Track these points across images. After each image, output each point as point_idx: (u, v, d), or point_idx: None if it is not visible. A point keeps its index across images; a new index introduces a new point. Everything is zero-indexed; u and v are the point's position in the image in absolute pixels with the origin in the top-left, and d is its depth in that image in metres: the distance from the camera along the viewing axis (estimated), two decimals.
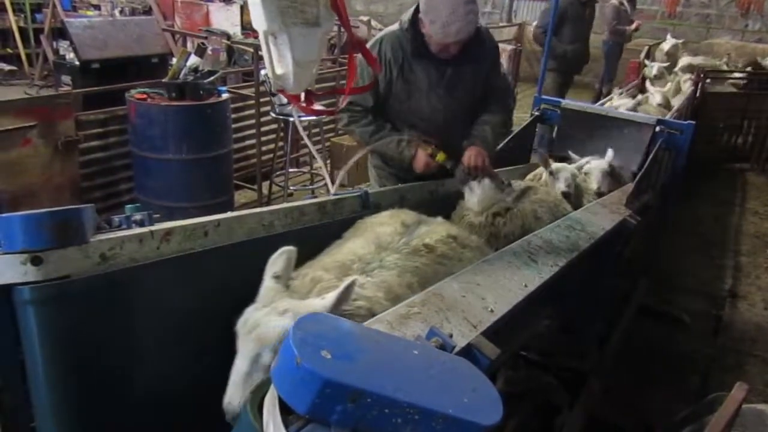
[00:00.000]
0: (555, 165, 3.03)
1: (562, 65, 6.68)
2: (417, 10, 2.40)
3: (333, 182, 2.16)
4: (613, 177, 3.19)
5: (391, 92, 2.53)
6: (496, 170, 2.65)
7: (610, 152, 3.21)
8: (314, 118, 4.83)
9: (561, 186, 2.92)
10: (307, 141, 2.34)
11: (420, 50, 2.46)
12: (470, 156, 2.47)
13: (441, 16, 2.27)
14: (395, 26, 2.54)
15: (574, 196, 2.96)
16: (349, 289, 1.36)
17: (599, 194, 3.03)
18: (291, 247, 1.52)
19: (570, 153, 3.40)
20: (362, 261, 1.71)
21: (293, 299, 1.45)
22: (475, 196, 2.39)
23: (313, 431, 0.85)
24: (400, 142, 2.50)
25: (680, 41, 8.74)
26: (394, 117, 2.59)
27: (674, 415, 2.43)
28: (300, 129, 2.31)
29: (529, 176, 3.25)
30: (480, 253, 2.00)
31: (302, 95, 1.82)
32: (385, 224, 1.93)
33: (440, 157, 2.50)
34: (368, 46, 2.45)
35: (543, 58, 6.00)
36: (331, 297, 1.36)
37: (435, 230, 1.96)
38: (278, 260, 1.51)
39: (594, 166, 3.17)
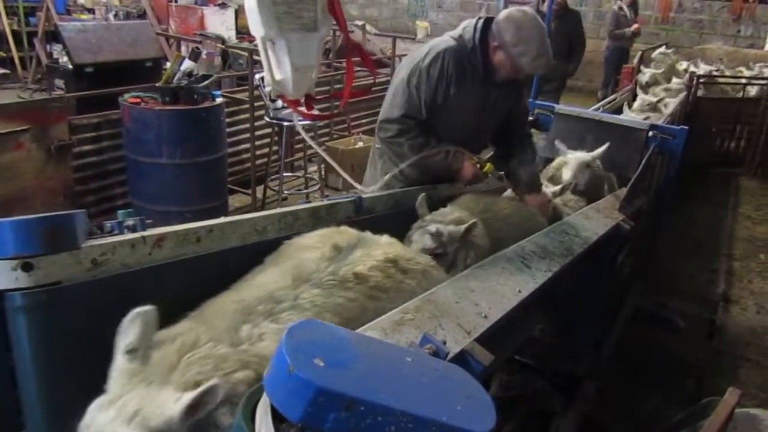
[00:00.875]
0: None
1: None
2: (484, 32, 2.45)
3: (328, 186, 2.17)
4: (594, 174, 3.16)
5: (443, 107, 2.53)
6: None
7: (603, 147, 3.22)
8: (309, 122, 4.83)
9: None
10: (312, 144, 2.35)
11: (485, 74, 2.50)
12: (539, 205, 2.69)
13: (532, 49, 2.35)
14: (450, 41, 2.53)
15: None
16: (208, 393, 1.05)
17: (576, 191, 3.02)
18: (147, 308, 1.17)
19: (557, 143, 3.42)
20: (272, 299, 1.40)
21: (149, 388, 1.13)
22: None
23: None
24: (448, 153, 2.53)
25: (670, 50, 8.78)
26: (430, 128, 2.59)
27: (668, 419, 2.43)
28: (303, 133, 2.32)
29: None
30: (425, 278, 1.71)
31: (302, 100, 1.82)
32: (311, 248, 1.62)
33: (488, 168, 2.57)
34: (427, 63, 2.46)
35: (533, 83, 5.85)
36: (184, 401, 1.05)
37: (371, 254, 1.64)
38: (130, 328, 1.16)
39: (574, 156, 3.17)
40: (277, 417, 0.88)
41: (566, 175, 3.04)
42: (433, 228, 2.06)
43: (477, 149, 2.79)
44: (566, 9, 6.60)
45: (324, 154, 2.62)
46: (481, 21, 2.50)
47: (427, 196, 2.25)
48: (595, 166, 3.19)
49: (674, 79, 7.15)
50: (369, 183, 2.82)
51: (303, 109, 1.95)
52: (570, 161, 3.15)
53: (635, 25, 8.23)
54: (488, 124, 2.72)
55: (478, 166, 2.55)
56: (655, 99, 5.53)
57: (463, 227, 2.07)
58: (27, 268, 1.19)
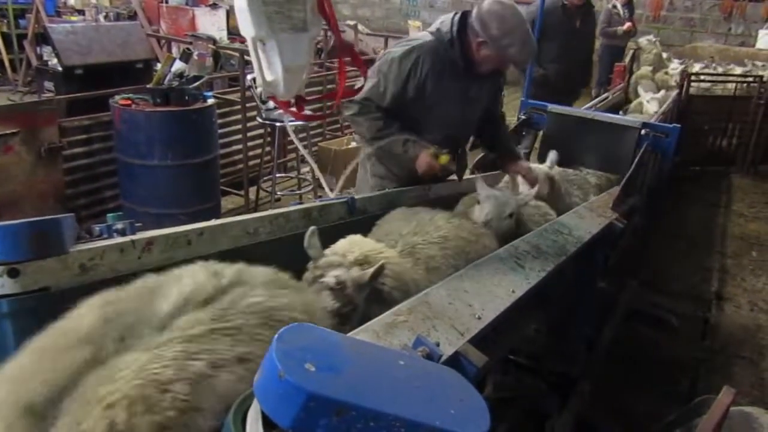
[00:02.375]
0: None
1: (543, 91, 5.11)
2: (462, 28, 2.44)
3: (322, 186, 2.16)
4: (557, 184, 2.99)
5: (421, 102, 2.54)
6: (481, 175, 2.78)
7: (553, 156, 3.04)
8: (301, 123, 4.82)
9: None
10: (300, 147, 2.35)
11: (465, 67, 2.50)
12: (527, 170, 2.73)
13: (517, 39, 2.35)
14: (427, 37, 2.53)
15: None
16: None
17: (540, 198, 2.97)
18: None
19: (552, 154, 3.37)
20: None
21: None
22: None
23: None
24: (406, 141, 2.51)
25: (657, 38, 8.79)
26: (407, 123, 2.59)
27: (663, 418, 2.43)
28: (292, 135, 2.32)
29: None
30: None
31: (292, 101, 1.81)
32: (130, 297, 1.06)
33: (443, 159, 2.50)
34: (400, 54, 2.47)
35: (526, 80, 5.15)
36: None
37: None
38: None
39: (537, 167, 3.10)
40: (267, 423, 0.87)
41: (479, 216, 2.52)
42: (332, 280, 1.53)
43: (462, 139, 2.84)
44: (589, 4, 5.77)
45: (309, 158, 2.63)
46: (458, 16, 2.49)
47: (315, 232, 1.64)
48: (559, 175, 3.03)
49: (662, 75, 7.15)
50: (360, 185, 2.84)
51: (294, 110, 1.94)
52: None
53: (627, 24, 8.17)
54: (473, 116, 2.73)
55: (435, 157, 2.50)
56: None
57: (368, 272, 1.55)
58: (13, 274, 1.18)
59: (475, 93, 2.63)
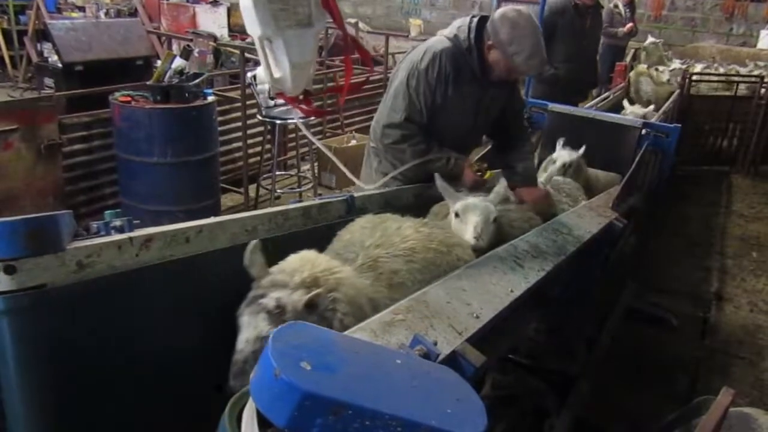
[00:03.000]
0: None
1: (554, 91, 5.07)
2: (479, 31, 2.43)
3: (321, 184, 2.15)
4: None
5: (442, 109, 2.52)
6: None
7: (501, 188, 2.86)
8: (302, 120, 4.80)
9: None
10: (314, 140, 2.34)
11: (482, 73, 2.49)
12: (536, 199, 2.62)
13: (526, 48, 2.33)
14: (445, 41, 2.51)
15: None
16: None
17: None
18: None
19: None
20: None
21: None
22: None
23: None
24: (449, 160, 2.52)
25: (660, 40, 8.76)
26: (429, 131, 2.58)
27: (662, 418, 2.43)
28: (305, 130, 2.32)
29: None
30: None
31: (300, 96, 1.81)
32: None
33: (488, 175, 2.55)
34: (426, 65, 2.45)
35: (527, 79, 4.99)
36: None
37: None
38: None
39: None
40: (263, 422, 0.86)
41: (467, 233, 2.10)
42: (271, 302, 1.37)
43: (471, 146, 2.81)
44: (599, 4, 5.67)
45: (326, 149, 2.59)
46: (476, 20, 2.48)
47: (261, 245, 1.48)
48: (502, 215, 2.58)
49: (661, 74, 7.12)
50: (364, 182, 2.80)
51: (303, 105, 1.93)
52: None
53: (628, 26, 8.14)
54: (484, 123, 2.72)
55: (479, 174, 2.54)
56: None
57: (303, 300, 1.38)
58: (9, 271, 1.17)
59: (488, 102, 2.61)
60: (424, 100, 2.47)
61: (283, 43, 1.59)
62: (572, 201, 2.93)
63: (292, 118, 4.50)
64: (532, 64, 2.40)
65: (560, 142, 3.36)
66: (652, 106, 4.98)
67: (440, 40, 2.54)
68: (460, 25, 2.53)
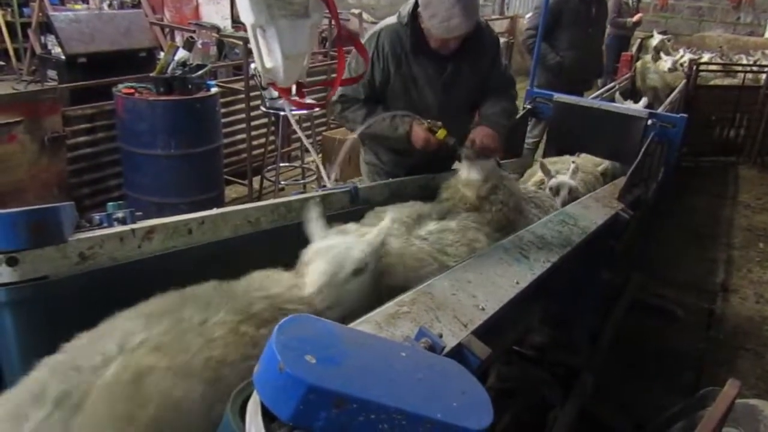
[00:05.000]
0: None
1: (558, 80, 5.04)
2: (416, 5, 2.35)
3: (324, 176, 2.13)
4: None
5: (389, 86, 2.50)
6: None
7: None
8: (305, 111, 4.79)
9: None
10: (300, 134, 2.32)
11: (419, 46, 2.42)
12: (482, 135, 2.34)
13: (440, 10, 2.21)
14: (393, 19, 2.49)
15: None
16: None
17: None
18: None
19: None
20: None
21: None
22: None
23: None
24: (393, 118, 2.43)
25: (666, 36, 8.69)
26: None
27: (667, 410, 2.42)
28: (293, 122, 2.29)
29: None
30: None
31: (293, 88, 1.78)
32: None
33: (440, 133, 2.36)
34: (365, 38, 2.44)
35: (531, 66, 4.71)
36: None
37: None
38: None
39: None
40: (267, 415, 0.86)
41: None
42: None
43: (458, 128, 2.54)
44: None
45: (310, 147, 2.59)
46: None
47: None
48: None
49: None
50: (362, 174, 2.83)
51: (295, 98, 1.91)
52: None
53: (637, 15, 8.10)
54: (455, 102, 2.58)
55: (430, 131, 2.36)
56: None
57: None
58: (12, 262, 1.17)
59: (450, 78, 2.49)
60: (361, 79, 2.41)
61: (276, 32, 1.56)
62: (542, 213, 2.65)
63: (293, 109, 4.48)
64: (449, 27, 2.24)
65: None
66: (644, 99, 4.91)
67: (389, 19, 2.52)
68: (409, 2, 2.46)
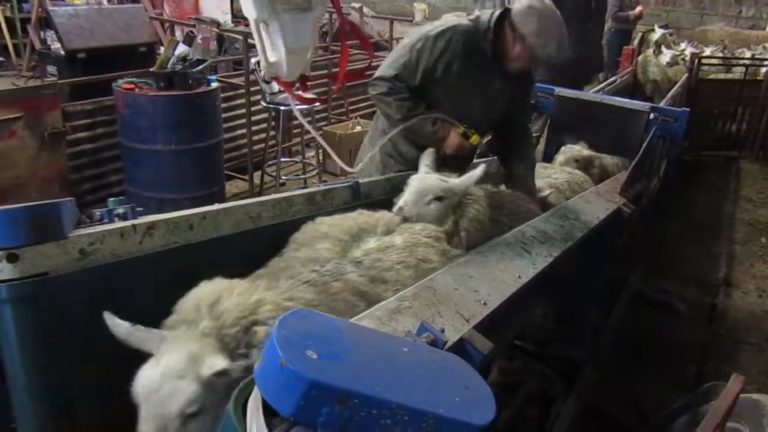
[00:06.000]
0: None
1: (556, 76, 4.71)
2: (502, 20, 2.43)
3: (326, 171, 2.12)
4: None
5: (442, 83, 2.50)
6: (488, 159, 2.72)
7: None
8: (306, 106, 4.77)
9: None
10: (309, 128, 2.31)
11: (493, 58, 2.48)
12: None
13: (554, 33, 2.37)
14: (463, 21, 2.51)
15: None
16: None
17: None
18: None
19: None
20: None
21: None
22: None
23: None
24: (435, 120, 2.48)
25: (668, 30, 8.65)
26: (429, 105, 2.56)
27: (669, 404, 2.42)
28: (299, 116, 2.28)
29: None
30: None
31: (297, 83, 1.78)
32: None
33: (474, 139, 2.48)
34: (435, 33, 2.45)
35: None
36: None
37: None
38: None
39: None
40: (268, 411, 0.85)
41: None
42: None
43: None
44: None
45: (320, 139, 2.58)
46: (499, 11, 2.48)
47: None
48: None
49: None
50: (365, 167, 2.78)
51: (299, 92, 1.90)
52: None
53: (639, 8, 8.07)
54: (493, 111, 2.67)
55: (464, 136, 2.47)
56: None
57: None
58: (12, 259, 1.16)
59: (498, 88, 2.58)
60: (423, 66, 2.45)
61: (279, 26, 1.56)
62: (510, 221, 2.32)
63: (297, 104, 4.46)
64: (559, 55, 2.44)
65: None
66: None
67: (460, 19, 2.55)
68: (484, 11, 2.55)
